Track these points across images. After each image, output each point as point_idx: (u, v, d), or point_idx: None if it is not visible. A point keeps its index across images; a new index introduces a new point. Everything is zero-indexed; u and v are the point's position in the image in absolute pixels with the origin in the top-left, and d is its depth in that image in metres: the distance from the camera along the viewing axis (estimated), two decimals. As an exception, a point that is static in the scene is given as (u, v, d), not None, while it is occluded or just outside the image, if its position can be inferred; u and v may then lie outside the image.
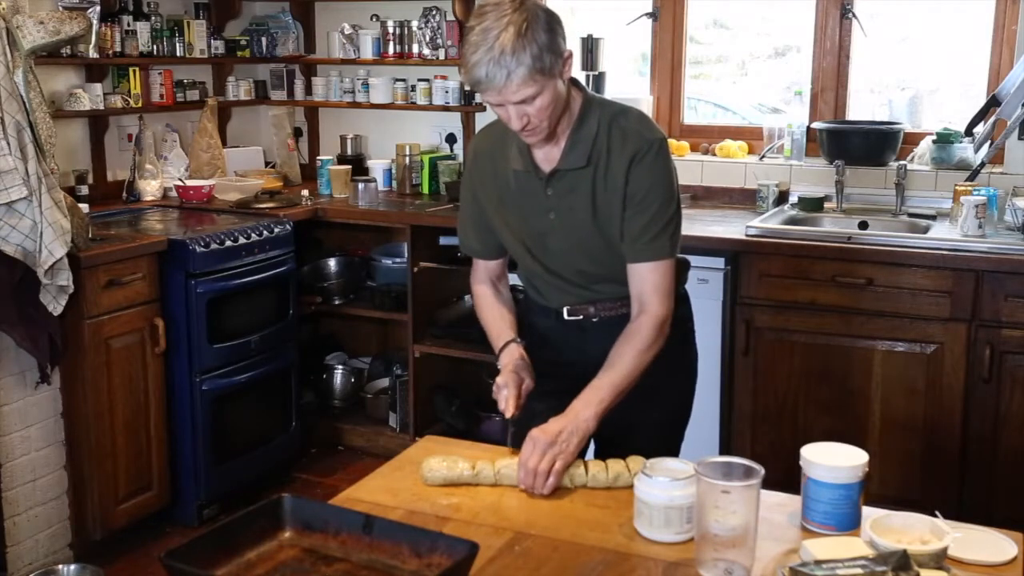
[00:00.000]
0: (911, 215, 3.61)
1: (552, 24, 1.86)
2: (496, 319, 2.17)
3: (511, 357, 2.08)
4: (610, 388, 1.94)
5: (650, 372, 2.11)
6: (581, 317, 2.13)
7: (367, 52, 4.45)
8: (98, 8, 3.82)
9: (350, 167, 4.40)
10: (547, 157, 2.02)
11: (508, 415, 1.98)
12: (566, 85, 1.94)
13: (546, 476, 1.81)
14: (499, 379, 2.03)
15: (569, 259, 2.08)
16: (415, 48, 4.35)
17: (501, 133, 2.05)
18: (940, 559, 1.48)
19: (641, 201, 1.98)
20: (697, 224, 3.62)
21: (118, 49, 3.95)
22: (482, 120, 4.25)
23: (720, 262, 3.39)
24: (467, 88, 4.00)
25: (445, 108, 4.35)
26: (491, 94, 1.85)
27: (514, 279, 2.27)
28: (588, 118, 2.00)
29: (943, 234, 3.31)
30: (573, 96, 2.00)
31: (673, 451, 2.21)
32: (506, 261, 2.24)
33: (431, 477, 1.86)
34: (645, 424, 2.14)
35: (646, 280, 2.01)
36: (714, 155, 4.12)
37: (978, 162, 3.57)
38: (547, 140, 1.98)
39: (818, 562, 1.40)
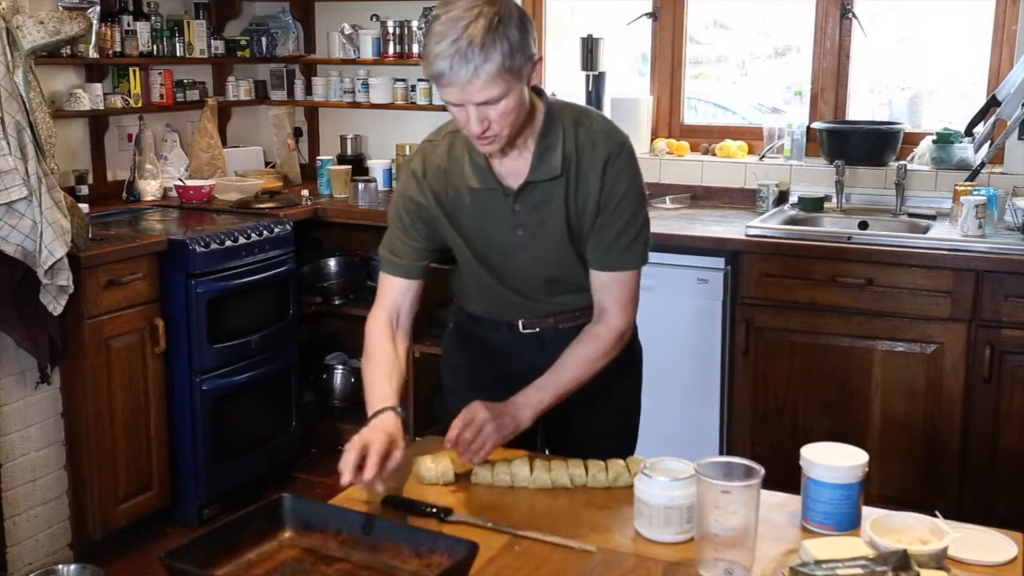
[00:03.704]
0: (911, 215, 3.61)
1: (524, 22, 1.72)
2: (383, 375, 1.89)
3: (387, 423, 1.77)
4: (553, 391, 1.89)
5: (598, 375, 2.01)
6: (539, 330, 2.03)
7: (367, 52, 4.45)
8: (98, 8, 3.82)
9: (350, 167, 4.40)
10: (512, 171, 1.88)
11: (367, 477, 1.65)
12: (530, 91, 1.81)
13: (474, 452, 1.80)
14: (356, 438, 1.71)
15: (534, 274, 1.97)
16: (415, 48, 4.35)
17: (448, 149, 1.93)
18: (940, 559, 1.48)
19: (616, 207, 1.89)
20: (697, 224, 3.62)
21: (118, 49, 3.95)
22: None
23: (720, 262, 3.39)
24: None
25: (445, 108, 4.31)
26: (452, 91, 1.70)
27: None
28: (553, 125, 1.87)
29: (943, 234, 3.31)
30: (535, 103, 1.87)
31: (629, 450, 2.15)
32: (419, 292, 2.03)
33: (427, 477, 1.86)
34: (597, 426, 2.08)
35: (610, 291, 1.93)
36: (714, 155, 4.11)
37: (978, 162, 3.57)
38: (507, 148, 1.84)
39: (818, 562, 1.40)
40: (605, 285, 1.94)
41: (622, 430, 2.16)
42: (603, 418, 2.09)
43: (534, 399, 1.87)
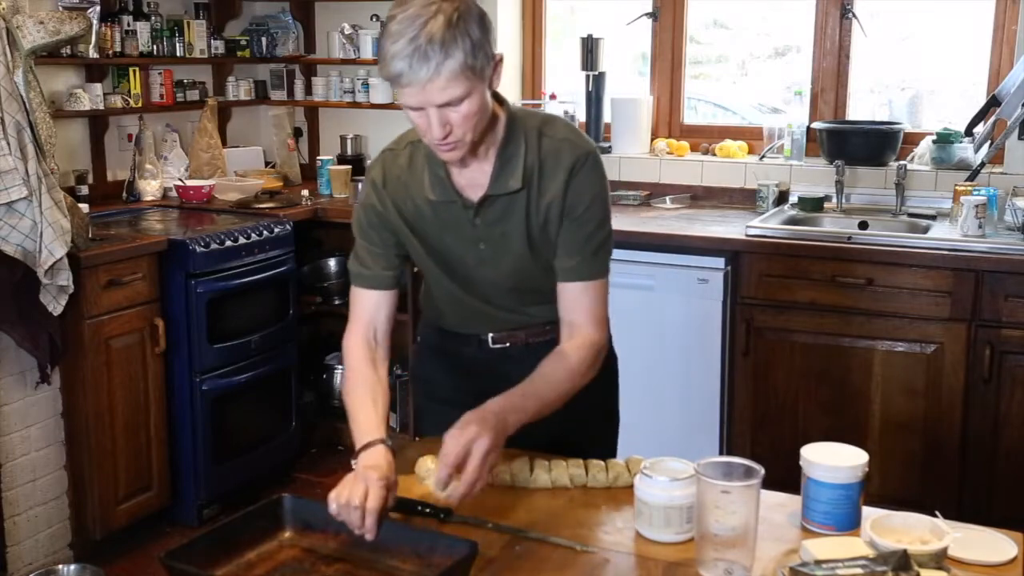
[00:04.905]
0: (911, 215, 3.61)
1: (484, 21, 1.64)
2: (367, 403, 1.77)
3: (378, 460, 1.63)
4: (537, 403, 1.71)
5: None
6: (508, 344, 1.96)
7: (367, 52, 4.45)
8: (98, 8, 3.82)
9: (350, 167, 4.40)
10: (472, 183, 1.80)
11: (369, 536, 1.54)
12: (492, 96, 1.73)
13: (479, 491, 1.59)
14: (350, 485, 1.56)
15: (501, 284, 1.90)
16: (415, 48, 4.34)
17: (409, 160, 1.85)
18: (940, 559, 1.48)
19: (581, 215, 1.80)
20: (697, 224, 3.63)
21: (118, 49, 3.95)
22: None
23: (720, 262, 3.39)
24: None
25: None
26: (412, 92, 1.60)
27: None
28: (515, 135, 1.78)
29: (943, 234, 3.31)
30: (496, 111, 1.77)
31: (610, 450, 2.13)
32: (393, 306, 1.92)
33: (427, 477, 1.86)
34: (577, 439, 2.00)
35: (579, 303, 1.82)
36: (714, 155, 4.11)
37: (978, 162, 3.57)
38: (468, 158, 1.75)
39: (818, 562, 1.40)
40: (575, 298, 1.82)
41: (599, 431, 2.12)
42: (580, 419, 2.02)
43: (518, 404, 1.69)
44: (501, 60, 1.69)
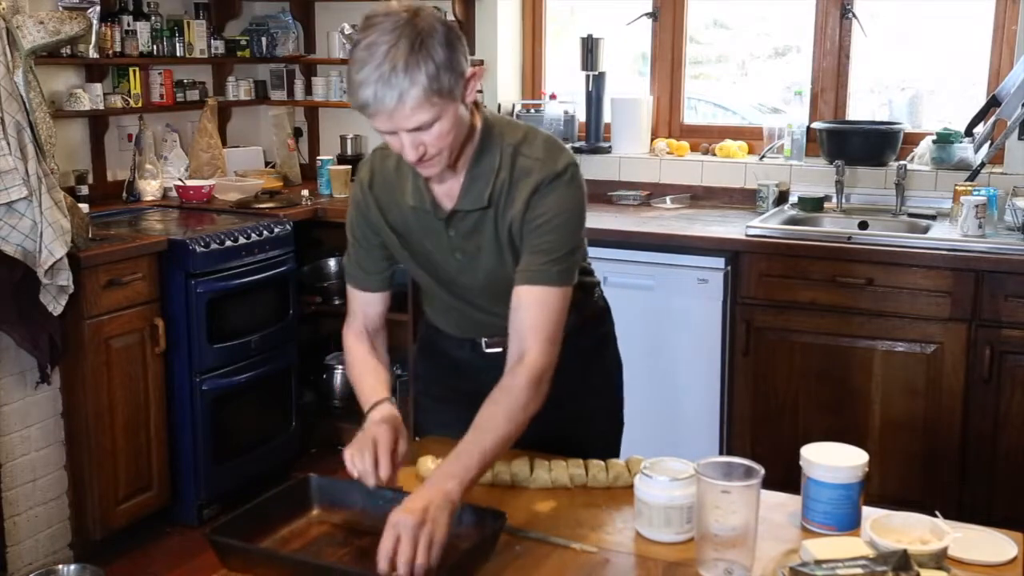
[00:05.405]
0: (911, 215, 3.61)
1: (451, 39, 1.60)
2: (369, 373, 1.86)
3: (384, 414, 1.73)
4: (479, 457, 1.61)
5: (575, 394, 1.97)
6: (501, 349, 1.87)
7: (367, 52, 4.44)
8: (98, 8, 3.82)
9: (350, 167, 4.40)
10: (449, 194, 1.79)
11: (384, 475, 1.62)
12: (468, 109, 1.69)
13: (423, 570, 1.45)
14: (361, 436, 1.66)
15: (484, 293, 1.90)
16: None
17: (397, 160, 1.82)
18: (940, 559, 1.48)
19: (541, 225, 1.74)
20: (697, 224, 3.63)
21: (118, 49, 3.95)
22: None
23: (720, 262, 3.39)
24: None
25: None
26: (381, 119, 1.59)
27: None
28: (489, 150, 1.76)
29: (943, 234, 3.31)
30: (474, 120, 1.73)
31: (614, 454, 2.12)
32: (386, 303, 1.97)
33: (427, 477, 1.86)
34: (579, 440, 2.00)
35: (528, 314, 1.72)
36: (714, 155, 4.11)
37: (978, 162, 3.57)
38: (448, 171, 1.74)
39: (818, 562, 1.40)
40: (529, 308, 1.73)
41: (603, 441, 2.11)
42: (585, 433, 2.04)
43: (458, 468, 1.59)
44: (475, 73, 1.66)
